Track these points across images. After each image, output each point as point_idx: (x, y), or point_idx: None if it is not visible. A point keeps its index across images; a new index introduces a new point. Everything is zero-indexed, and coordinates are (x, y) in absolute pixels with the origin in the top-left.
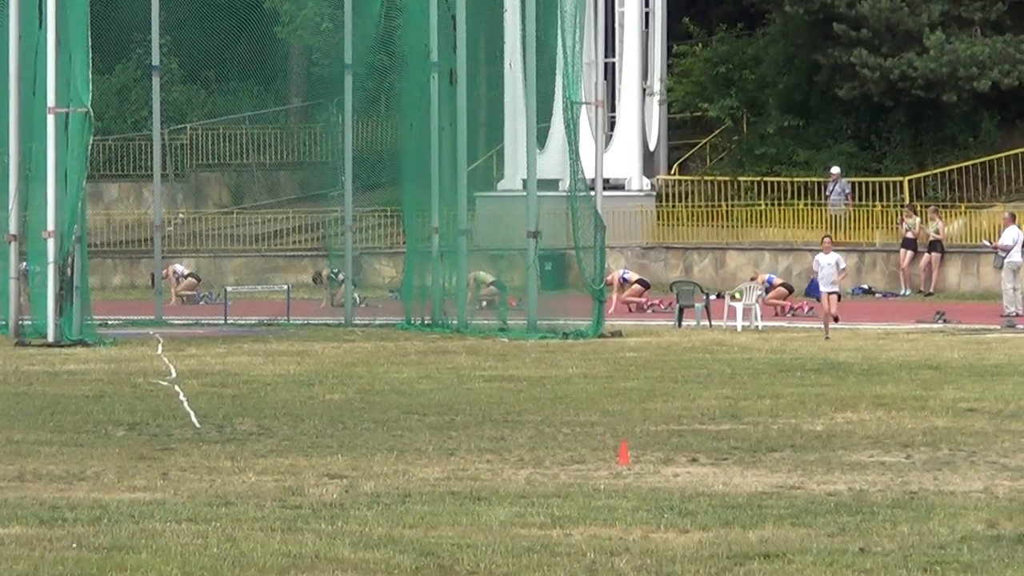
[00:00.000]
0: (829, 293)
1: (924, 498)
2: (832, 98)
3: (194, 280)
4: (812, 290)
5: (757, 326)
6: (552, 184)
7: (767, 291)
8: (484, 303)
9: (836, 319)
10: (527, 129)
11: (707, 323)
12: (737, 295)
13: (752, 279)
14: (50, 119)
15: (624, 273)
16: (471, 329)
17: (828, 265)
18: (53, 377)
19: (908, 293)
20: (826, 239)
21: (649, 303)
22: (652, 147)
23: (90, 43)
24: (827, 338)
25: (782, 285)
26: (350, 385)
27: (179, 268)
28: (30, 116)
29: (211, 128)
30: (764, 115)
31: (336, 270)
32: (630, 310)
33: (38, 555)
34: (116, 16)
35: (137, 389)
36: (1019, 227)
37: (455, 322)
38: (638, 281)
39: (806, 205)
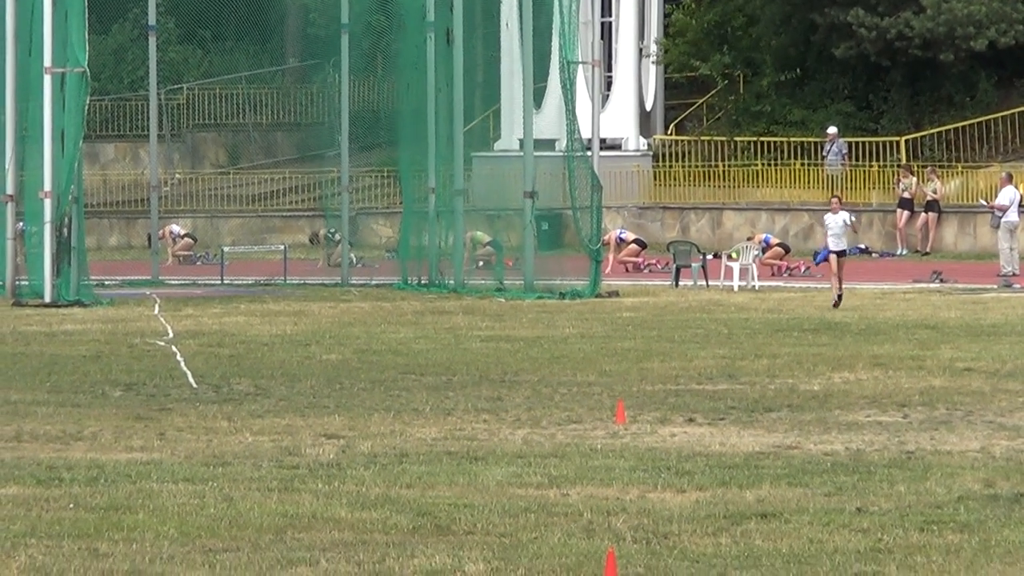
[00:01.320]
0: (838, 253)
1: (921, 458)
2: (829, 57)
3: (191, 240)
4: (820, 258)
5: (754, 286)
6: (549, 144)
7: (764, 251)
8: (481, 263)
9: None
10: (524, 89)
11: (704, 283)
12: (734, 255)
13: (749, 239)
14: (47, 79)
15: (621, 233)
16: (468, 289)
17: (836, 224)
18: (50, 337)
19: (905, 253)
20: (834, 199)
21: (646, 263)
22: (649, 107)
23: (86, 3)
24: (836, 303)
25: (779, 245)
26: (347, 345)
27: (176, 228)
28: (26, 76)
29: (207, 88)
30: (760, 74)
31: (333, 230)
32: (627, 270)
33: (35, 515)
34: None
35: (134, 349)
36: (1016, 187)
37: (452, 282)
38: (635, 241)
39: (803, 165)
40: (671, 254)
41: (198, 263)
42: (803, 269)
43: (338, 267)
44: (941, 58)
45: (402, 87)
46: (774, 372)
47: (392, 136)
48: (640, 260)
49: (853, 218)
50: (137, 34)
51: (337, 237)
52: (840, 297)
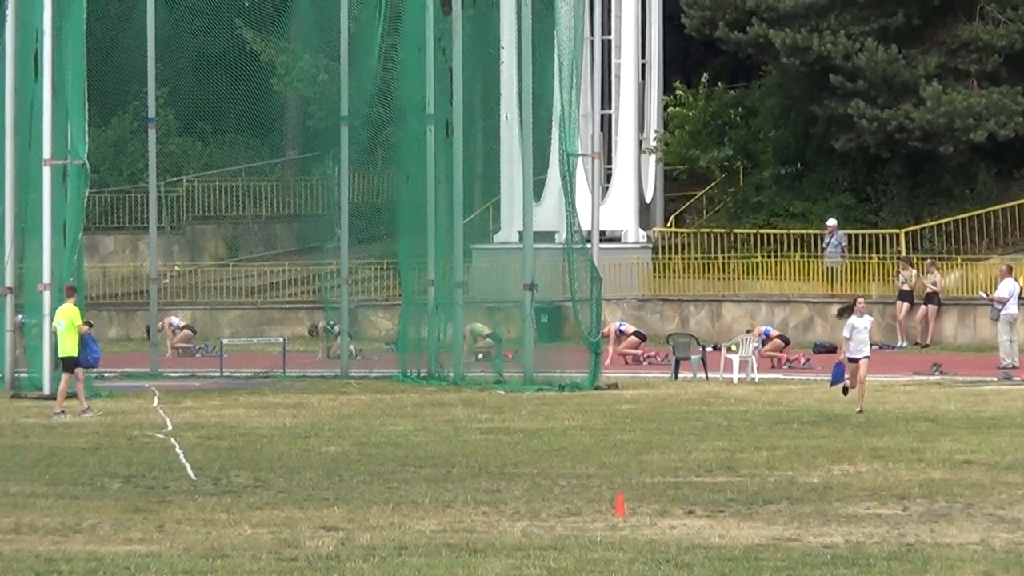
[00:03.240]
0: (865, 359)
1: (921, 550)
2: (828, 150)
3: (190, 332)
4: (837, 376)
5: (753, 378)
6: (548, 236)
7: (764, 343)
8: (480, 355)
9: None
10: (523, 181)
11: (703, 375)
12: (733, 347)
13: (748, 331)
14: (46, 171)
15: (620, 325)
16: (467, 381)
17: (864, 329)
18: (49, 429)
19: (905, 345)
20: (860, 299)
21: (646, 355)
22: (648, 199)
23: (86, 95)
24: (860, 410)
25: (778, 337)
26: (346, 437)
27: (175, 320)
28: (26, 168)
29: (207, 180)
30: (760, 166)
31: (332, 322)
32: (627, 362)
33: None
34: (112, 68)
35: (133, 441)
36: (1015, 279)
37: (451, 374)
38: (634, 333)
39: (802, 257)
40: (670, 346)
41: (197, 355)
42: (803, 361)
43: (338, 359)
44: (941, 150)
45: (401, 179)
46: (774, 464)
47: (392, 228)
48: (640, 352)
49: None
50: (137, 126)
51: (336, 329)
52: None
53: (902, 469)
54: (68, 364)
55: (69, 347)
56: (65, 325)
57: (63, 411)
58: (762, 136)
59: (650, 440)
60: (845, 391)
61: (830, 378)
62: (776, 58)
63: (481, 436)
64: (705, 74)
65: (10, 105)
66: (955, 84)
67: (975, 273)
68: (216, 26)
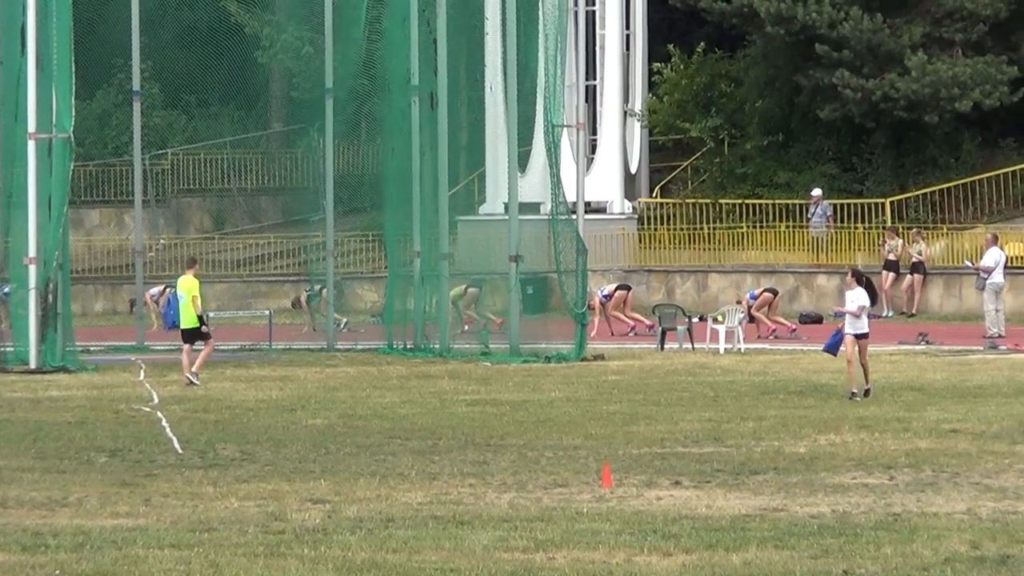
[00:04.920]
0: (857, 336)
1: (907, 520)
2: (813, 119)
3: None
4: (830, 347)
5: (739, 348)
6: (534, 207)
7: (753, 303)
8: (467, 327)
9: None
10: (508, 152)
11: (689, 346)
12: (719, 318)
13: (738, 303)
14: (31, 145)
15: (602, 291)
16: (453, 353)
17: (853, 303)
18: (35, 404)
19: (891, 315)
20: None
21: (633, 327)
22: (633, 170)
23: (72, 69)
24: (853, 395)
25: (766, 291)
26: (333, 410)
27: (154, 292)
28: (12, 142)
29: (192, 153)
30: (745, 136)
31: (314, 288)
32: (627, 332)
33: None
34: (97, 42)
35: (119, 415)
36: (1001, 248)
37: (437, 346)
38: (618, 288)
39: (788, 227)
40: (656, 317)
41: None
42: (790, 331)
43: (324, 329)
44: (926, 120)
45: (387, 151)
46: (760, 435)
47: (377, 200)
48: (632, 323)
49: (865, 303)
50: (121, 100)
51: (320, 290)
52: (867, 391)
53: (888, 439)
54: (187, 335)
55: (188, 318)
56: (186, 297)
57: (192, 378)
58: (747, 107)
59: (636, 411)
60: (852, 396)
61: (829, 344)
62: (761, 28)
63: (467, 408)
64: (702, 44)
65: None
66: (940, 53)
67: (960, 242)
68: None
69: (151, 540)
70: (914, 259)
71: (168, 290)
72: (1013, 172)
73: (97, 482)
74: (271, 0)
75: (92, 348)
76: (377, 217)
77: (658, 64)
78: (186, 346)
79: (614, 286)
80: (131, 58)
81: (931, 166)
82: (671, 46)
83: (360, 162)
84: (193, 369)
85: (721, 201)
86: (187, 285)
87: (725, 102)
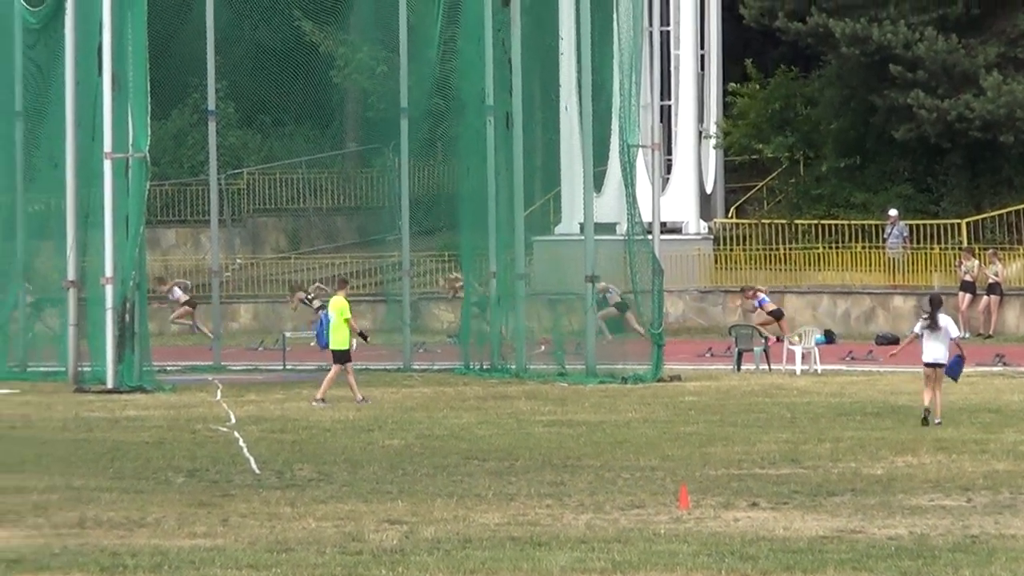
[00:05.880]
0: (934, 365)
1: (985, 542)
2: (889, 140)
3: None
4: (952, 371)
5: (816, 370)
6: (609, 228)
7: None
8: (542, 348)
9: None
10: (584, 172)
11: (766, 367)
12: (796, 339)
13: (746, 301)
14: (107, 165)
15: (762, 300)
16: (530, 374)
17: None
18: (113, 423)
19: (967, 336)
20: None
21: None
22: (709, 190)
23: (148, 88)
24: (925, 419)
25: (771, 313)
26: (409, 431)
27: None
28: (89, 162)
29: (268, 173)
30: (820, 157)
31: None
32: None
33: None
34: (172, 61)
35: (196, 435)
36: None
37: (514, 367)
38: (772, 312)
39: (864, 248)
40: (733, 338)
41: (259, 349)
42: (867, 353)
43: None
44: (1001, 140)
45: (462, 171)
46: (837, 456)
47: (452, 220)
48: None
49: (955, 334)
50: (197, 119)
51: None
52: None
53: (966, 460)
54: (337, 356)
55: (339, 340)
56: (336, 318)
57: (322, 399)
58: (822, 127)
59: (713, 432)
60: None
61: (952, 371)
62: (836, 48)
63: (544, 429)
64: (780, 64)
65: (71, 98)
66: (1015, 74)
67: None
68: (275, 18)
69: (228, 560)
70: (990, 280)
71: (320, 311)
72: None
73: (175, 502)
74: (346, 20)
75: (169, 368)
76: (453, 237)
77: (733, 84)
78: (336, 366)
79: (772, 307)
80: (206, 77)
81: (1007, 186)
82: (749, 62)
83: (435, 182)
84: (318, 396)
85: (797, 222)
86: (338, 306)
87: (800, 122)
